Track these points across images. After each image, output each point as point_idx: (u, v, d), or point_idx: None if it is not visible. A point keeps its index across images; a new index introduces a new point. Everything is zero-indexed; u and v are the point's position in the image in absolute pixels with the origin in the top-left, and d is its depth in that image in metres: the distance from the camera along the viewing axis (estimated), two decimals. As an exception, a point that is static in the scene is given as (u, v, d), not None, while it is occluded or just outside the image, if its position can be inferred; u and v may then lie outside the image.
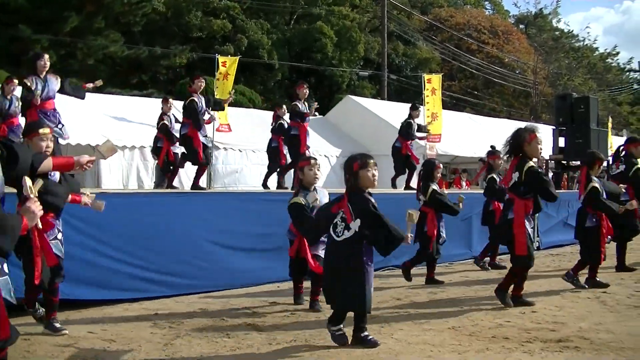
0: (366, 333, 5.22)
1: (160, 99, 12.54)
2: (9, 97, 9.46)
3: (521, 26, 55.63)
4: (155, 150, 11.76)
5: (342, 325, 5.26)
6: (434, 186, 8.41)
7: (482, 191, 10.19)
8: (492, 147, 10.25)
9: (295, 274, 7.00)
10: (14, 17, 24.21)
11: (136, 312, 6.74)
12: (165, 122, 11.42)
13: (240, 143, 16.23)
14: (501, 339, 5.49)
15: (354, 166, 5.12)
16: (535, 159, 6.84)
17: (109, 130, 14.09)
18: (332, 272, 5.27)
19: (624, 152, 9.90)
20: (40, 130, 5.23)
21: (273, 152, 12.31)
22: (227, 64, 15.07)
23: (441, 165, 8.86)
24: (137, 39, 29.94)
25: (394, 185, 12.55)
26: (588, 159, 8.18)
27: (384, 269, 9.54)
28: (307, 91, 10.93)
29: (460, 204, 8.55)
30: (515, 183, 6.65)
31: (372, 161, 5.16)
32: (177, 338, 5.54)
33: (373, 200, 5.17)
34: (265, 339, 5.49)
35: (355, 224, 5.05)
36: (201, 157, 9.70)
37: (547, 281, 7.80)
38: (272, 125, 12.71)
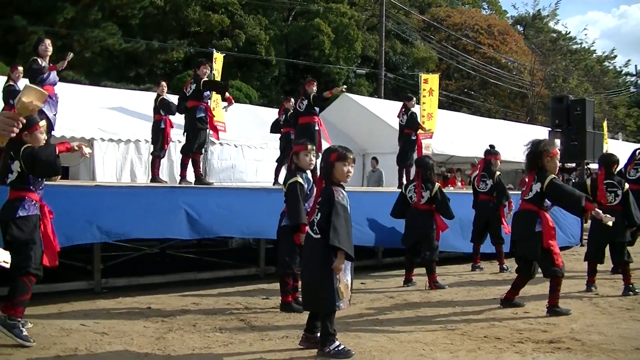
0: (337, 344, 4.84)
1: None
2: (17, 82, 9.68)
3: (519, 27, 55.70)
4: (154, 137, 11.43)
5: (336, 340, 4.86)
6: (438, 184, 8.47)
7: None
8: (490, 146, 10.24)
9: None
10: (8, 7, 24.16)
11: (129, 306, 6.74)
12: (164, 96, 11.29)
13: (236, 138, 16.22)
14: (493, 339, 5.50)
15: (332, 156, 4.97)
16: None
17: (104, 123, 14.06)
18: (303, 271, 5.23)
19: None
20: (41, 123, 5.32)
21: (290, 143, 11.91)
22: (217, 61, 15.12)
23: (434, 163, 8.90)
24: (134, 32, 29.88)
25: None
26: (607, 160, 8.23)
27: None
28: (316, 89, 10.94)
29: None
30: (537, 194, 6.54)
31: (351, 157, 5.01)
32: (170, 332, 5.54)
33: (342, 194, 4.94)
34: (257, 335, 5.49)
35: (316, 217, 4.95)
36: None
37: (539, 283, 7.83)
38: (280, 119, 12.44)
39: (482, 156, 10.31)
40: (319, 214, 4.92)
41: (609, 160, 8.21)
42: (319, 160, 5.53)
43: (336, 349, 4.82)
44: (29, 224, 5.14)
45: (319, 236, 4.92)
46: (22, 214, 5.13)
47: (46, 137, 5.45)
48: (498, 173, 9.92)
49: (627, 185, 8.01)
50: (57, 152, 5.10)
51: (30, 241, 5.13)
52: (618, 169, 8.60)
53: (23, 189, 5.20)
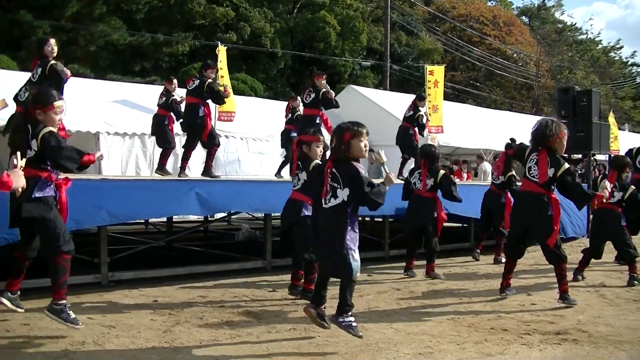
0: (352, 319, 4.88)
1: (163, 86, 12.33)
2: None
3: (525, 18, 55.48)
4: (161, 130, 11.46)
5: (351, 315, 4.91)
6: (442, 171, 8.54)
7: (479, 183, 10.21)
8: (511, 139, 10.18)
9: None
10: (13, 2, 24.20)
11: (136, 299, 6.76)
12: (175, 97, 11.27)
13: (242, 131, 16.19)
14: (500, 330, 5.50)
15: (346, 135, 4.90)
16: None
17: (110, 116, 14.05)
18: (319, 239, 5.15)
19: None
20: (56, 103, 5.17)
21: (291, 142, 11.90)
22: (220, 53, 15.12)
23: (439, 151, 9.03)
24: (139, 26, 29.87)
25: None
26: (619, 163, 8.32)
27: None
28: (325, 82, 10.93)
29: None
30: (550, 179, 6.48)
31: (365, 131, 4.96)
32: (177, 325, 5.55)
33: (362, 168, 4.97)
34: (264, 328, 5.50)
35: (344, 193, 4.86)
36: None
37: (546, 274, 7.83)
38: (287, 116, 12.46)
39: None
40: (345, 189, 4.87)
41: (621, 163, 8.35)
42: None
43: (349, 323, 4.85)
44: (44, 204, 5.01)
45: (328, 205, 4.90)
46: (38, 195, 4.99)
47: (61, 118, 5.33)
48: (510, 173, 9.88)
49: (630, 189, 8.22)
50: (79, 164, 5.12)
51: (49, 219, 5.01)
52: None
53: (39, 168, 5.04)
